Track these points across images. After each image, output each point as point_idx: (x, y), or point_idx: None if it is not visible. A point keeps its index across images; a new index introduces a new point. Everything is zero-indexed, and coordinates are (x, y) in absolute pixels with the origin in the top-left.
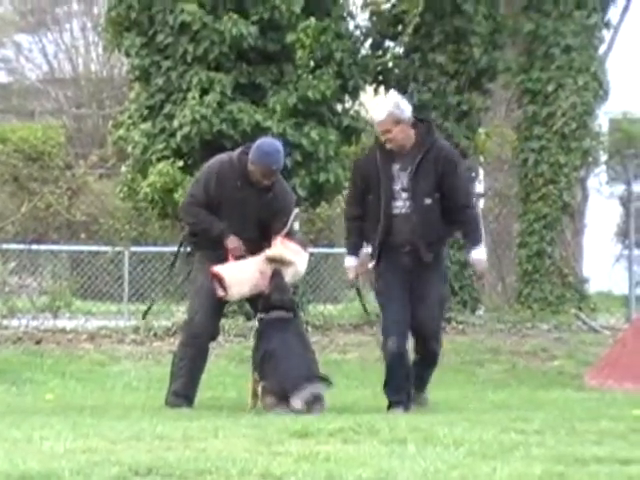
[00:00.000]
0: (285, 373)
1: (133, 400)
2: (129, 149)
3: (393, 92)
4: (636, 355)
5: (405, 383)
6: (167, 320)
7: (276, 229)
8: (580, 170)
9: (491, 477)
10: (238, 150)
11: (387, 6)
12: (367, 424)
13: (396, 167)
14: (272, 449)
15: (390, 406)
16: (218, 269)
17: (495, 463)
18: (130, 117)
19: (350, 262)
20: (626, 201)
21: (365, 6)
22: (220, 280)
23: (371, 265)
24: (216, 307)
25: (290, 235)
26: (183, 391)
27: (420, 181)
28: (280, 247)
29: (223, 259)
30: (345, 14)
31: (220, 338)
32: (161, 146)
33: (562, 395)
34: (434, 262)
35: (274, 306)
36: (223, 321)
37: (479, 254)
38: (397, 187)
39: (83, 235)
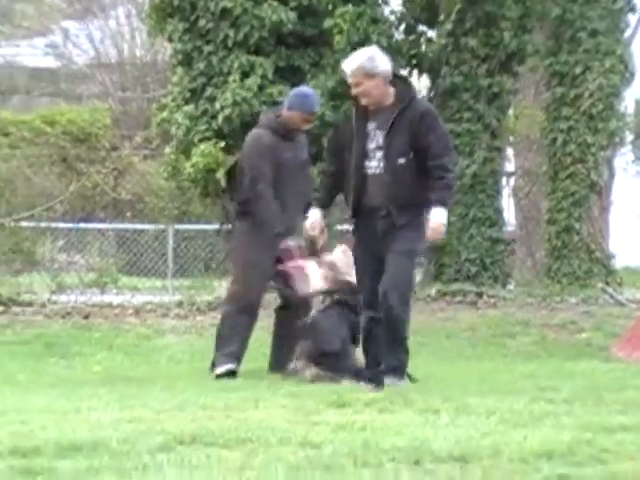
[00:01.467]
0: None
1: (177, 372)
2: (172, 130)
3: (373, 47)
4: None
5: (376, 360)
6: (209, 295)
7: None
8: (607, 150)
9: (522, 445)
10: (265, 118)
11: None
12: (401, 395)
13: (372, 125)
14: (310, 419)
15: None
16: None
17: (526, 431)
18: (173, 100)
19: (312, 213)
20: None
21: None
22: (302, 274)
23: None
24: (267, 281)
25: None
26: (237, 354)
27: (394, 140)
28: (340, 255)
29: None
30: (380, 0)
31: (261, 312)
32: (203, 127)
33: (590, 366)
34: (409, 224)
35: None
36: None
37: (438, 215)
38: (372, 146)
39: (128, 214)
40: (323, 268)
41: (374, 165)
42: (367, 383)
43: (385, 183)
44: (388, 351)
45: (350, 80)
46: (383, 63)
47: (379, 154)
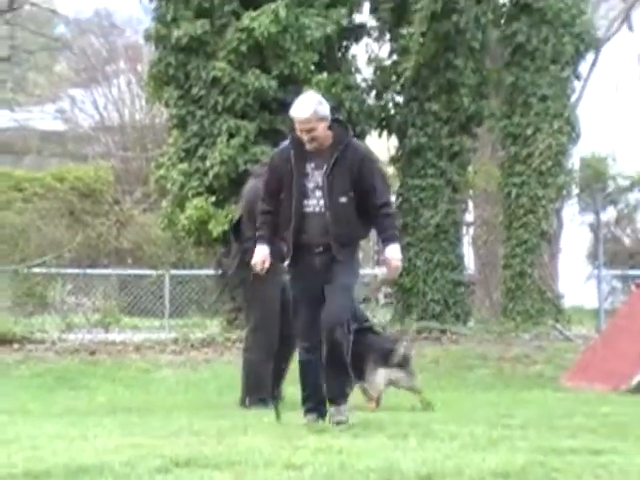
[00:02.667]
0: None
1: (173, 402)
2: (168, 186)
3: (312, 92)
4: (605, 360)
5: (316, 390)
6: (202, 333)
7: None
8: (556, 202)
9: (481, 466)
10: (259, 171)
11: (388, 62)
12: (374, 421)
13: (311, 166)
14: (293, 443)
15: (305, 413)
16: None
17: (484, 454)
18: (169, 159)
19: (259, 250)
20: (595, 228)
21: (369, 62)
22: None
23: (285, 264)
24: None
25: None
26: (271, 395)
27: (335, 179)
28: None
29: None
30: (353, 69)
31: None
32: (196, 184)
33: (542, 395)
34: (347, 261)
35: None
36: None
37: (393, 251)
38: (310, 185)
39: (129, 260)
40: None
41: (313, 204)
42: (309, 414)
43: (327, 221)
44: (332, 381)
45: (304, 126)
46: (327, 107)
47: (318, 193)
